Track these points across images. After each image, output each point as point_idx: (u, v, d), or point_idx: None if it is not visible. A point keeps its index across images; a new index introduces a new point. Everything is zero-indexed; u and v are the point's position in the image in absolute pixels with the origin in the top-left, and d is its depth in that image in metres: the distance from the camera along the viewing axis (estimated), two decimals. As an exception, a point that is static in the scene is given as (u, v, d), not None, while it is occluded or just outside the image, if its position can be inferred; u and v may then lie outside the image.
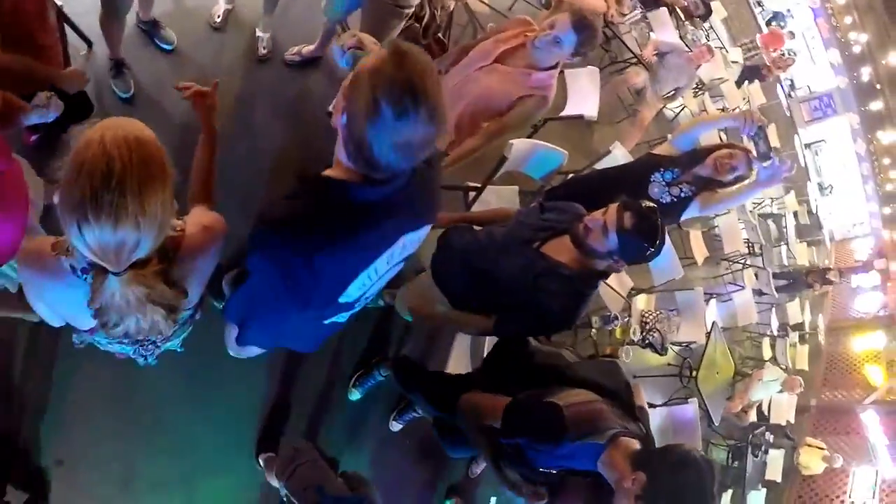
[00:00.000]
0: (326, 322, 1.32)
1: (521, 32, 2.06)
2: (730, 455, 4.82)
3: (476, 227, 1.93)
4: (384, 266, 1.19)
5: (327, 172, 1.07)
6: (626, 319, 2.97)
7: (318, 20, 2.74)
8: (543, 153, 2.61)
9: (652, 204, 1.57)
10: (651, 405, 3.51)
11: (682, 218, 2.40)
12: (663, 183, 2.30)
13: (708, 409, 3.62)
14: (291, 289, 1.09)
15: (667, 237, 1.57)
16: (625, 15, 4.77)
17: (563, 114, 3.26)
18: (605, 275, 1.68)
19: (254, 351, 1.30)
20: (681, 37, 5.00)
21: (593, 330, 2.90)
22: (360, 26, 2.39)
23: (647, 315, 3.40)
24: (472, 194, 2.64)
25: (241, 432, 2.25)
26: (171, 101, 2.54)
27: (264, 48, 2.86)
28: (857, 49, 10.37)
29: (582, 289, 1.61)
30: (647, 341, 3.25)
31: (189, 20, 2.76)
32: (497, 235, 1.78)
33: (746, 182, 2.31)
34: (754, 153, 2.55)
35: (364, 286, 1.19)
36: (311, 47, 2.87)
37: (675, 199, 2.28)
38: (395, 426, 2.54)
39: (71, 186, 0.82)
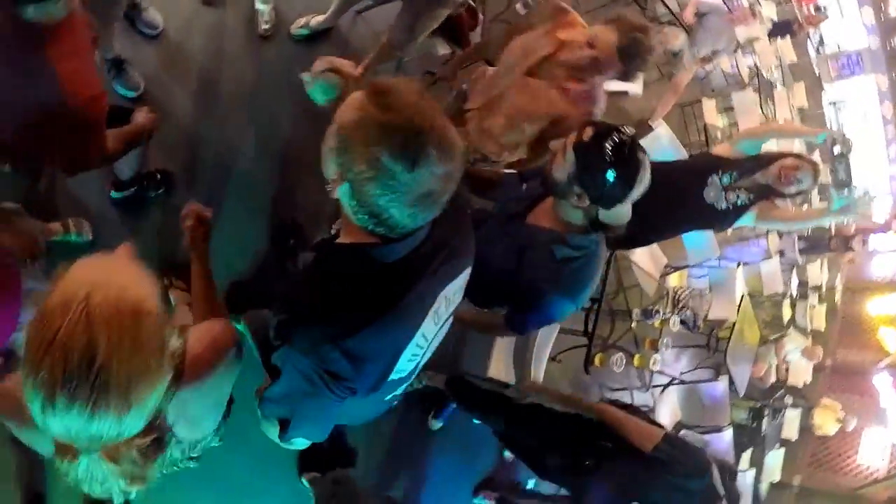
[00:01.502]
0: (387, 399, 1.17)
1: (554, 31, 1.73)
2: (751, 415, 4.93)
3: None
4: (432, 328, 1.03)
5: (341, 240, 0.93)
6: (665, 314, 2.95)
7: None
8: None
9: (628, 129, 1.30)
10: (681, 381, 3.55)
11: (735, 226, 2.29)
12: (720, 186, 2.16)
13: (735, 380, 3.66)
14: (333, 382, 0.90)
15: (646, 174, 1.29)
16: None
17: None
18: (587, 231, 1.39)
19: (303, 443, 1.10)
20: (721, -5, 4.65)
21: (633, 323, 2.88)
22: (397, 16, 2.16)
23: (679, 292, 3.37)
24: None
25: (280, 451, 2.23)
26: (168, 91, 2.31)
27: (266, 23, 2.51)
28: (894, 14, 9.83)
29: (567, 253, 1.37)
30: (680, 320, 3.23)
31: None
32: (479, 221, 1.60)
33: (818, 208, 2.19)
34: (830, 180, 2.40)
35: (415, 357, 1.04)
36: (321, 17, 2.55)
37: (731, 207, 2.16)
38: (436, 424, 2.55)
39: (37, 351, 0.62)
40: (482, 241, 1.48)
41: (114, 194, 2.12)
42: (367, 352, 0.90)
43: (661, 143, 3.16)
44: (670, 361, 3.24)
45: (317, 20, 2.56)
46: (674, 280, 3.44)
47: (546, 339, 2.47)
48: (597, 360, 2.66)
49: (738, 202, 2.16)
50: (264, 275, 2.21)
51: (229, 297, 2.06)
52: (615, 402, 2.22)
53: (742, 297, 3.76)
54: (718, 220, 2.24)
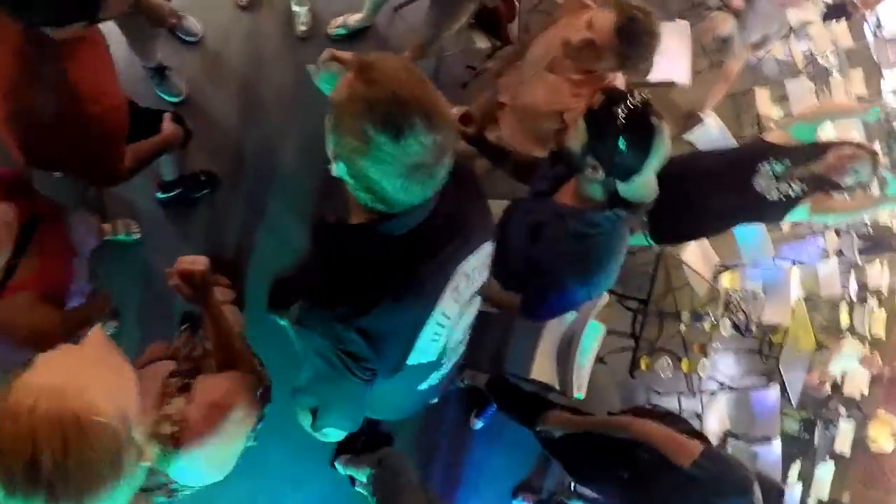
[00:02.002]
0: (421, 388, 1.14)
1: (573, 22, 1.64)
2: (802, 426, 4.68)
3: None
4: (453, 307, 1.01)
5: (351, 219, 0.93)
6: (715, 316, 2.80)
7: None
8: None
9: (642, 94, 1.21)
10: (730, 387, 3.38)
11: (787, 220, 2.16)
12: (771, 175, 2.02)
13: (788, 388, 3.47)
14: (353, 363, 0.91)
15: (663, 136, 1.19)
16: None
17: (649, 79, 2.90)
18: (603, 207, 1.30)
19: (337, 435, 1.09)
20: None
21: (682, 326, 2.75)
22: (427, 11, 2.13)
23: (731, 293, 3.20)
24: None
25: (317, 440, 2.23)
26: (210, 95, 2.36)
27: (303, 24, 2.52)
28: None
29: (580, 228, 1.30)
30: (732, 323, 3.07)
31: (211, 3, 2.45)
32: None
33: (874, 195, 2.02)
34: (886, 162, 2.23)
35: (438, 336, 1.01)
36: (358, 16, 2.54)
37: (783, 198, 2.02)
38: (478, 424, 2.51)
39: None
40: (509, 223, 1.46)
41: (160, 195, 2.17)
42: (382, 330, 0.89)
43: (712, 135, 3.00)
44: (720, 366, 3.08)
45: (354, 19, 2.55)
46: (725, 280, 3.27)
47: (589, 344, 2.38)
48: (643, 364, 2.56)
49: (791, 193, 2.01)
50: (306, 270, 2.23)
51: (272, 294, 2.07)
52: (655, 409, 2.12)
53: (797, 299, 3.57)
54: (769, 211, 2.10)
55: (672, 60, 2.92)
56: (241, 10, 2.50)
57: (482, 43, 2.57)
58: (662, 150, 1.20)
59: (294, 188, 2.34)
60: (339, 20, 2.55)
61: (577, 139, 1.23)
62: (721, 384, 3.31)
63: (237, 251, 2.27)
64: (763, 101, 4.22)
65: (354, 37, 2.58)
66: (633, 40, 1.46)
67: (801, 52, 5.25)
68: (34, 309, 1.15)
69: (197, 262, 1.11)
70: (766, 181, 2.02)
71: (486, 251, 1.05)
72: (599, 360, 2.44)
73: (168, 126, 1.61)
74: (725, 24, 3.82)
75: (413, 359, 0.99)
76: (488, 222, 1.09)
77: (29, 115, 1.12)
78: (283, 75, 2.48)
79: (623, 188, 1.24)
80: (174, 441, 0.94)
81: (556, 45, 1.67)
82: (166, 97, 2.29)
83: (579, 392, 2.31)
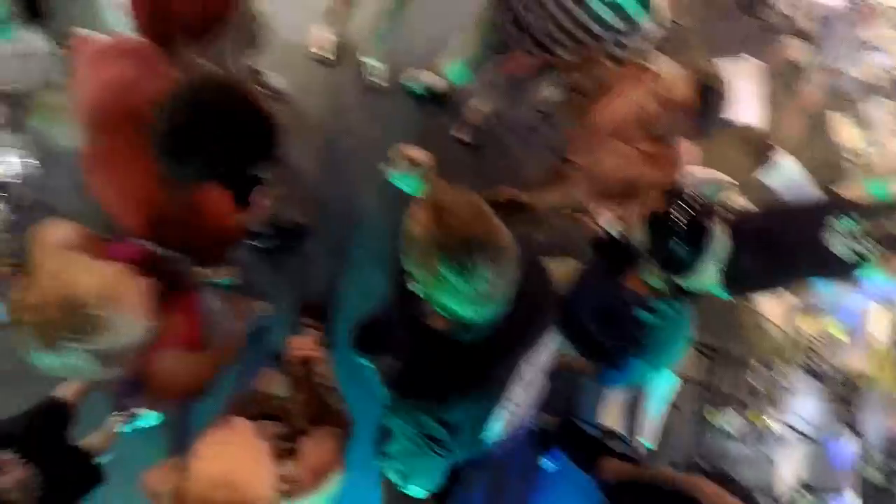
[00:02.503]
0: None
1: (633, 88, 1.66)
2: (886, 477, 4.36)
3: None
4: (521, 395, 1.18)
5: (432, 324, 1.06)
6: (791, 361, 2.69)
7: (434, 37, 2.54)
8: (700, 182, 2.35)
9: (706, 203, 1.30)
10: (805, 436, 3.23)
11: (862, 281, 2.10)
12: (842, 232, 1.91)
13: (870, 437, 3.27)
14: (434, 444, 1.08)
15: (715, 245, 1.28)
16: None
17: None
18: (669, 296, 1.39)
19: (421, 493, 1.24)
20: (845, -6, 4.18)
21: (754, 372, 2.66)
22: None
23: (808, 336, 3.07)
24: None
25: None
26: (294, 148, 2.50)
27: (379, 77, 2.66)
28: None
29: (645, 317, 1.40)
30: (808, 368, 2.95)
31: (294, 60, 2.62)
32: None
33: None
34: None
35: (507, 418, 1.18)
36: (436, 78, 2.63)
37: (854, 256, 1.91)
38: (550, 465, 2.54)
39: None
40: (578, 301, 1.58)
41: (253, 244, 2.35)
42: (456, 419, 1.06)
43: (788, 175, 2.90)
44: (796, 414, 2.95)
45: (431, 78, 2.65)
46: (802, 322, 3.14)
47: (661, 394, 2.37)
48: (711, 413, 2.50)
49: (863, 252, 1.90)
50: (388, 319, 2.35)
51: (356, 339, 2.21)
52: (722, 475, 2.10)
53: (880, 342, 3.36)
54: (839, 270, 1.99)
55: (745, 100, 2.88)
56: (321, 65, 2.67)
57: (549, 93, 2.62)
58: (720, 250, 1.28)
59: (376, 237, 2.47)
60: (413, 74, 2.65)
61: (636, 238, 1.33)
62: (796, 432, 3.17)
63: (324, 296, 2.44)
64: (842, 125, 4.02)
65: (429, 93, 2.65)
66: (714, 103, 1.49)
67: (882, 70, 4.95)
68: (179, 362, 1.29)
69: (306, 346, 1.32)
70: (835, 237, 1.92)
71: (546, 342, 1.21)
72: (673, 405, 2.43)
73: (260, 198, 1.74)
74: (797, 50, 3.70)
75: (485, 437, 1.15)
76: (548, 317, 1.22)
77: (162, 222, 1.28)
78: (363, 127, 2.63)
79: (683, 281, 1.33)
80: (285, 496, 1.10)
81: (623, 113, 1.69)
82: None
83: (649, 441, 2.31)
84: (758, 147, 3.39)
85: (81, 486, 1.45)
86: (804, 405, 3.16)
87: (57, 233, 1.19)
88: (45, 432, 1.43)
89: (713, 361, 2.54)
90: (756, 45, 3.80)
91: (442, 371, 1.06)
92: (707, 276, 1.34)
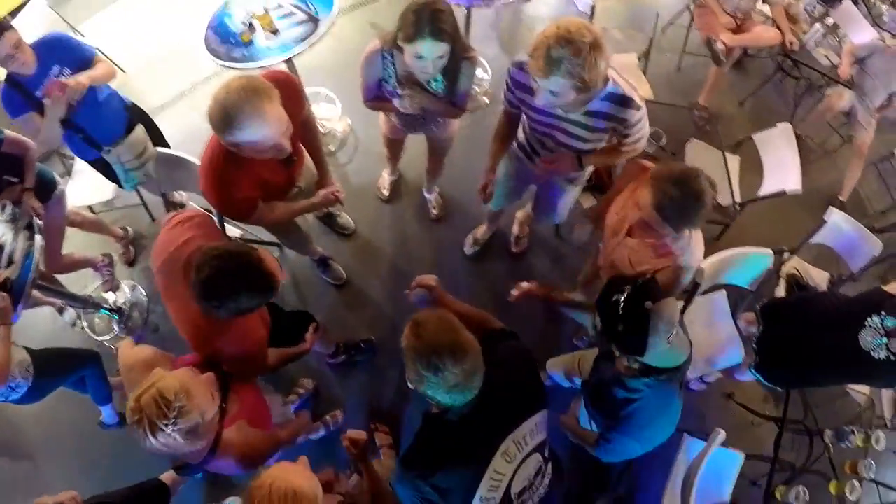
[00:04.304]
0: None
1: (635, 191, 1.72)
2: None
3: None
4: (505, 466, 1.35)
5: (433, 411, 1.36)
6: (869, 429, 2.44)
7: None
8: (742, 261, 2.40)
9: (645, 281, 1.34)
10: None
11: None
12: (880, 331, 1.84)
13: None
14: None
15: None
16: (805, 33, 4.11)
17: (760, 193, 2.82)
18: (641, 375, 1.47)
19: None
20: (874, 23, 4.01)
21: (828, 444, 2.44)
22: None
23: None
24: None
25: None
26: (365, 275, 2.93)
27: (434, 208, 3.08)
28: None
29: (623, 394, 1.53)
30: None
31: (359, 200, 3.07)
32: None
33: None
34: None
35: (495, 487, 1.34)
36: (483, 228, 3.01)
37: (892, 357, 1.82)
38: None
39: None
40: (591, 374, 1.80)
41: (330, 360, 2.82)
42: (446, 486, 1.30)
43: (842, 232, 2.77)
44: (881, 482, 2.58)
45: (481, 231, 3.01)
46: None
47: (726, 473, 2.33)
48: (777, 494, 2.33)
49: None
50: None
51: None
52: None
53: None
54: (876, 373, 1.89)
55: (781, 166, 2.80)
56: (384, 202, 3.16)
57: (588, 203, 2.89)
58: (663, 330, 1.30)
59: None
60: (470, 239, 3.01)
61: (595, 324, 1.42)
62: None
63: (392, 404, 2.75)
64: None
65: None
66: (671, 214, 1.51)
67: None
68: (246, 431, 1.60)
69: (361, 434, 1.67)
70: (873, 336, 1.85)
71: (534, 420, 1.40)
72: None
73: (311, 337, 2.02)
74: (842, 99, 3.63)
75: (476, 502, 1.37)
76: (537, 398, 1.46)
77: (205, 340, 1.62)
78: (423, 252, 3.04)
79: (649, 358, 1.38)
80: None
81: (627, 211, 1.81)
82: (329, 281, 2.97)
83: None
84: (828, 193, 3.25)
85: None
86: (891, 473, 2.79)
87: (139, 353, 1.71)
88: None
89: (778, 435, 2.44)
90: (805, 104, 3.82)
91: (433, 444, 1.34)
92: (668, 351, 1.37)
